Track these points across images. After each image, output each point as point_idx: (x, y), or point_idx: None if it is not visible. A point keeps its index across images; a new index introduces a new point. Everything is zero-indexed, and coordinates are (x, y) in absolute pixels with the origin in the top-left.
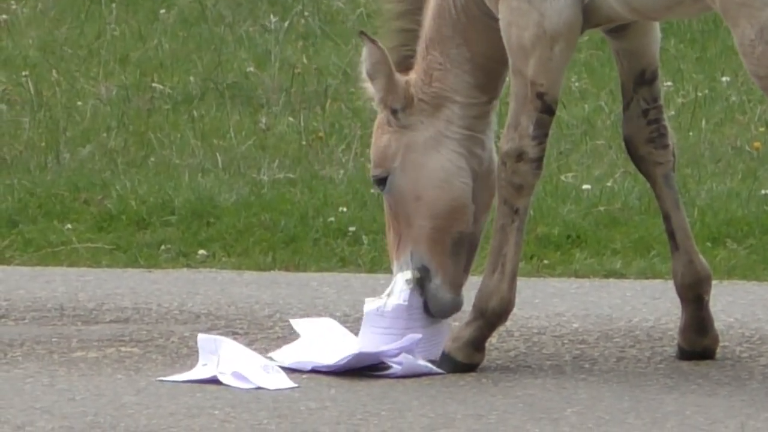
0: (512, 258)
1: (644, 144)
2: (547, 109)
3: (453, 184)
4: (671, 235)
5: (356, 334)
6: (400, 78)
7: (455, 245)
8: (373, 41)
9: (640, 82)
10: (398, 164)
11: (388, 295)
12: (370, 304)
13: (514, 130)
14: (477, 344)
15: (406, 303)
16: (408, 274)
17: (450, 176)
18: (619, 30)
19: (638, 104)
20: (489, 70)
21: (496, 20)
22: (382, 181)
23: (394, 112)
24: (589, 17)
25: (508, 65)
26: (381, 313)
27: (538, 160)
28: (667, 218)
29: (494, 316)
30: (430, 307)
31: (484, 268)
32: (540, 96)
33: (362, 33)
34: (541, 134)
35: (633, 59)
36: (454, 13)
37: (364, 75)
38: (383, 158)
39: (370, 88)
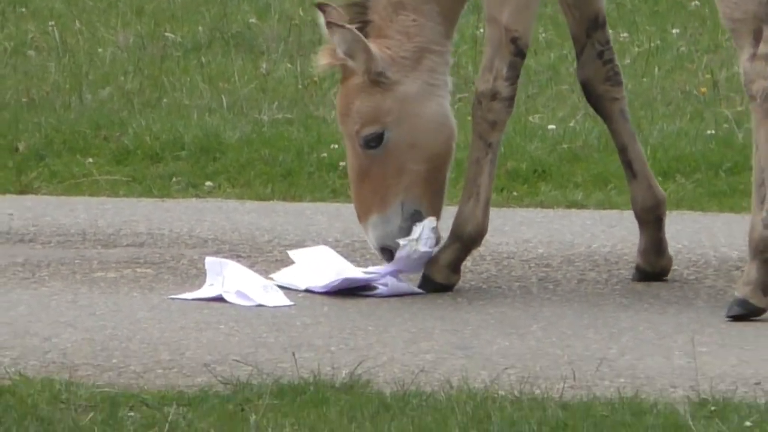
0: (486, 187)
1: (602, 83)
2: (519, 53)
3: (447, 126)
4: (628, 164)
5: (348, 259)
6: (373, 45)
7: (444, 182)
8: (341, 26)
9: (594, 26)
10: (393, 118)
11: (417, 240)
12: (401, 250)
13: (489, 72)
14: (454, 266)
15: (432, 250)
16: (433, 222)
17: (443, 119)
18: None
19: (593, 47)
20: (452, 19)
21: None
22: (376, 138)
23: (380, 74)
24: None
25: (462, 13)
26: (410, 257)
27: (510, 99)
28: (623, 150)
29: (470, 240)
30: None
31: (460, 196)
32: (514, 41)
33: (330, 23)
34: (513, 76)
35: (585, 7)
36: None
37: (322, 53)
38: (377, 116)
39: (321, 60)
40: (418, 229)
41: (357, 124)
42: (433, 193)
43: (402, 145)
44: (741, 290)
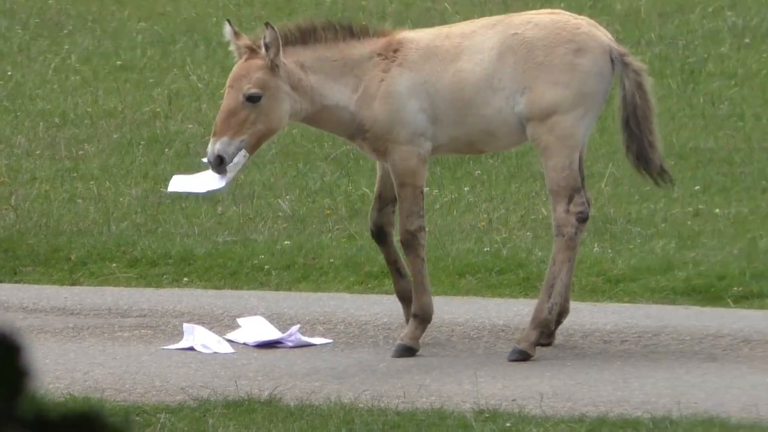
0: (428, 284)
1: (389, 226)
2: (421, 195)
3: (284, 121)
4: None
5: (270, 323)
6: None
7: (262, 143)
8: (274, 28)
9: (394, 197)
10: (270, 93)
11: (236, 165)
12: (230, 173)
13: (410, 217)
14: (419, 337)
15: (239, 161)
16: (245, 153)
17: (285, 117)
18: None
19: (392, 207)
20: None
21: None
22: (256, 98)
23: (278, 65)
24: (434, 152)
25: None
26: (223, 175)
27: (425, 227)
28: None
29: (430, 318)
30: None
31: (415, 294)
32: (421, 192)
33: (268, 23)
34: (422, 212)
35: (388, 182)
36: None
37: (241, 43)
38: (264, 86)
39: (237, 45)
40: (235, 159)
41: (250, 84)
42: (256, 143)
43: (264, 110)
44: (521, 344)
